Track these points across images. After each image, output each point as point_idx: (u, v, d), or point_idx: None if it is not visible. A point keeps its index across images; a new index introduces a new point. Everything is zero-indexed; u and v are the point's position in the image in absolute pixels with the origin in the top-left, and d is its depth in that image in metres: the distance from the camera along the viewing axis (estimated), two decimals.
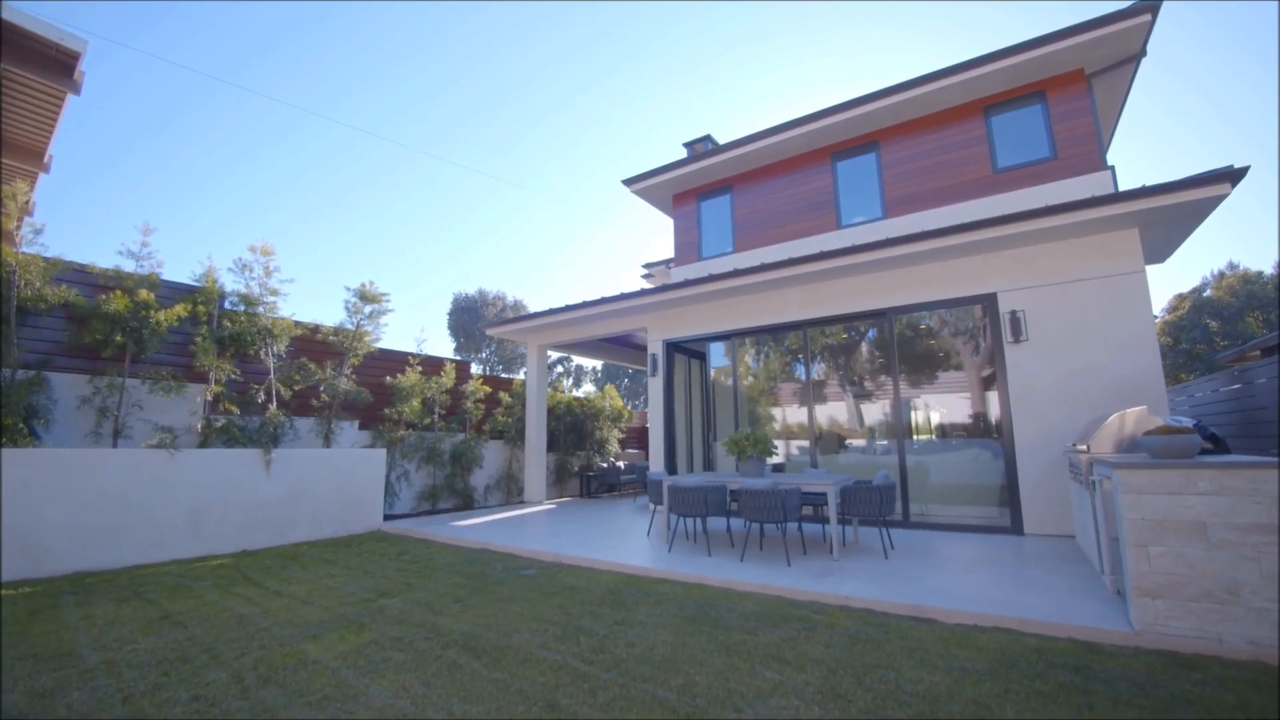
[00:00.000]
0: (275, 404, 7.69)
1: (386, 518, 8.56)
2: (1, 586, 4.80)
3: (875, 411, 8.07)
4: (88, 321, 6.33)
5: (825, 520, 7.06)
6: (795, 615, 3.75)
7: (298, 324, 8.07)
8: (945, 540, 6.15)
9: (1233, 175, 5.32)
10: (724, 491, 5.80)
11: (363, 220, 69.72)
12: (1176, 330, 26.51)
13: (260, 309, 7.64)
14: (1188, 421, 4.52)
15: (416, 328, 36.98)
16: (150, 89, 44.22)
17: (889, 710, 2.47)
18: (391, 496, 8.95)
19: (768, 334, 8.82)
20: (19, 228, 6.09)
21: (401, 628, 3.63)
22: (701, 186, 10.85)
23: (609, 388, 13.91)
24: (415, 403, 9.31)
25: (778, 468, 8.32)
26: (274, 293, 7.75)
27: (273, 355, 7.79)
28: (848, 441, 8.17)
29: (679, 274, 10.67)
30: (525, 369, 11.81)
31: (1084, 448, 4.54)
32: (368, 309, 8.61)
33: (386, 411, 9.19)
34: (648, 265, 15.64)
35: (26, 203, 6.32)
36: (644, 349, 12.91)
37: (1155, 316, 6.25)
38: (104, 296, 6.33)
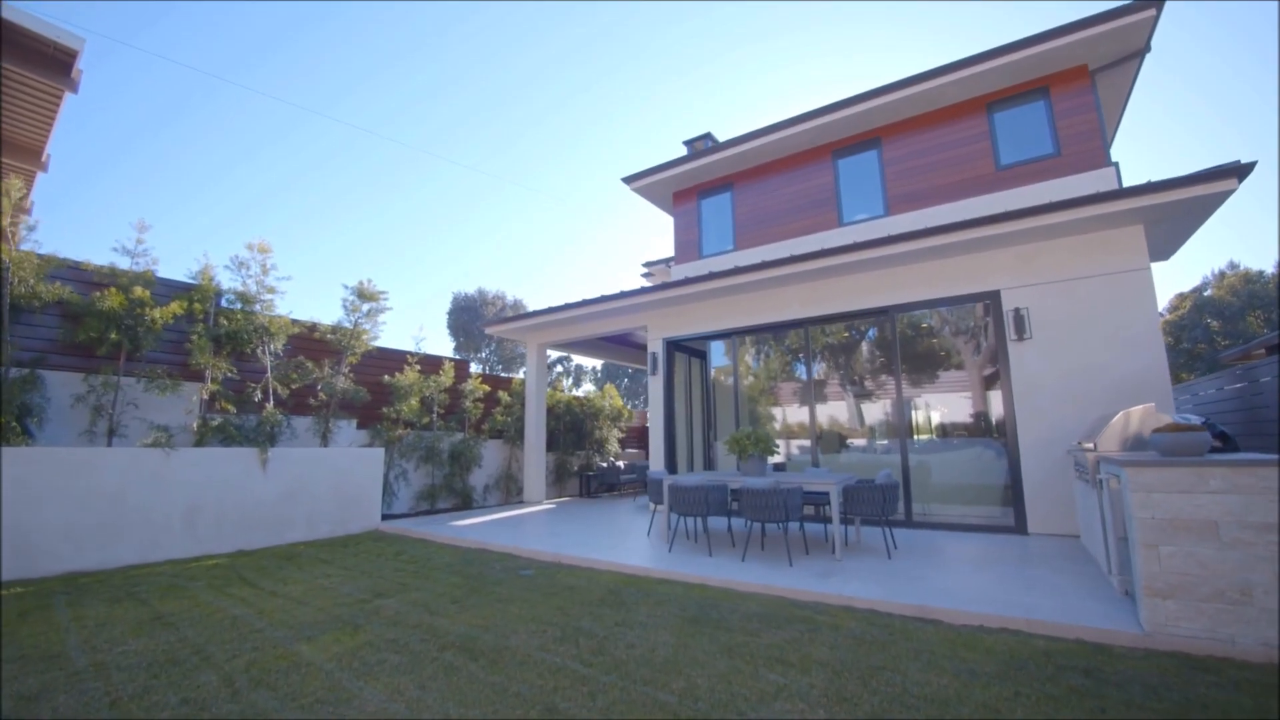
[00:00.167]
0: (272, 403, 7.63)
1: (384, 517, 8.50)
2: (1, 586, 4.74)
3: (876, 411, 8.01)
4: (82, 319, 6.26)
5: (827, 520, 6.99)
6: (798, 616, 3.69)
7: (295, 322, 8.00)
8: (948, 540, 6.08)
9: (1239, 171, 5.26)
10: (725, 491, 5.74)
11: (362, 220, 69.64)
12: (1177, 330, 26.45)
13: (257, 307, 7.58)
14: (1196, 419, 4.46)
15: (415, 327, 36.87)
16: (150, 89, 44.16)
17: (896, 714, 2.41)
18: (389, 496, 8.89)
19: (769, 332, 8.75)
20: (16, 226, 6.02)
21: (397, 629, 3.57)
22: (702, 184, 10.78)
23: (609, 387, 13.85)
24: (413, 402, 9.24)
25: (779, 467, 8.25)
26: (271, 291, 7.68)
27: (270, 353, 7.72)
28: (849, 441, 8.11)
29: (679, 272, 10.60)
30: (525, 368, 11.74)
31: (1090, 446, 4.48)
32: (365, 307, 8.56)
33: (385, 410, 9.13)
34: (648, 264, 15.58)
35: (22, 199, 6.25)
36: (644, 348, 12.84)
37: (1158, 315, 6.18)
38: (99, 294, 6.26)
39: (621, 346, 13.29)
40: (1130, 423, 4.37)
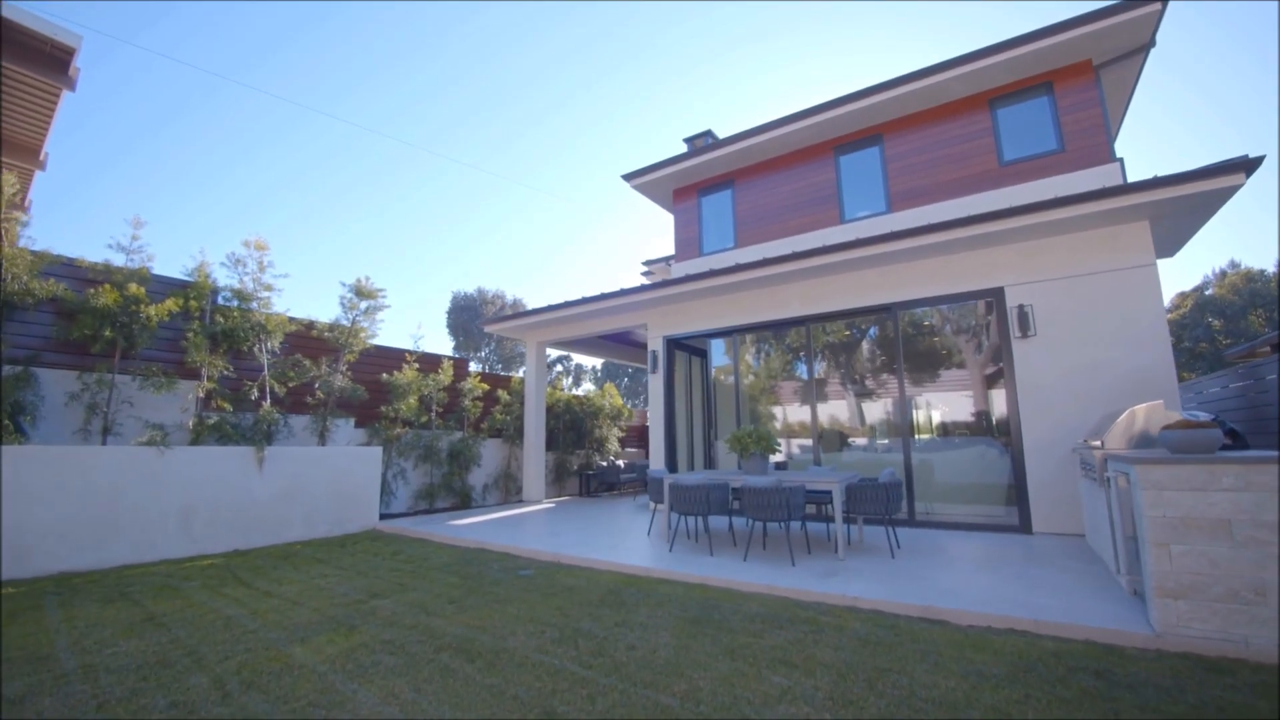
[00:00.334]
0: (269, 401, 7.56)
1: (382, 517, 8.43)
2: (1, 586, 4.68)
3: (877, 410, 7.95)
4: (76, 316, 6.19)
5: (830, 519, 6.93)
6: (802, 617, 3.62)
7: (292, 320, 7.94)
8: (952, 539, 6.02)
9: (1247, 165, 5.19)
10: (726, 489, 5.68)
11: (362, 220, 69.58)
12: (1179, 328, 26.39)
13: (254, 304, 7.51)
14: (1204, 416, 4.39)
15: (414, 325, 36.74)
16: (150, 88, 44.12)
17: (904, 717, 2.34)
18: (388, 495, 8.82)
19: (770, 330, 8.69)
20: (13, 223, 5.96)
21: (393, 630, 3.50)
22: (702, 181, 10.71)
23: (608, 386, 13.78)
24: (412, 400, 9.18)
25: (780, 466, 8.20)
26: (268, 288, 7.62)
27: (266, 351, 7.65)
28: (850, 440, 8.04)
29: (679, 270, 10.53)
30: (524, 367, 11.68)
31: (1097, 443, 4.41)
32: (363, 305, 8.49)
33: (383, 409, 9.06)
34: (648, 262, 15.51)
35: (15, 195, 6.18)
36: (644, 346, 12.77)
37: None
38: (93, 291, 6.19)
39: (621, 345, 13.22)
40: (1138, 420, 4.31)
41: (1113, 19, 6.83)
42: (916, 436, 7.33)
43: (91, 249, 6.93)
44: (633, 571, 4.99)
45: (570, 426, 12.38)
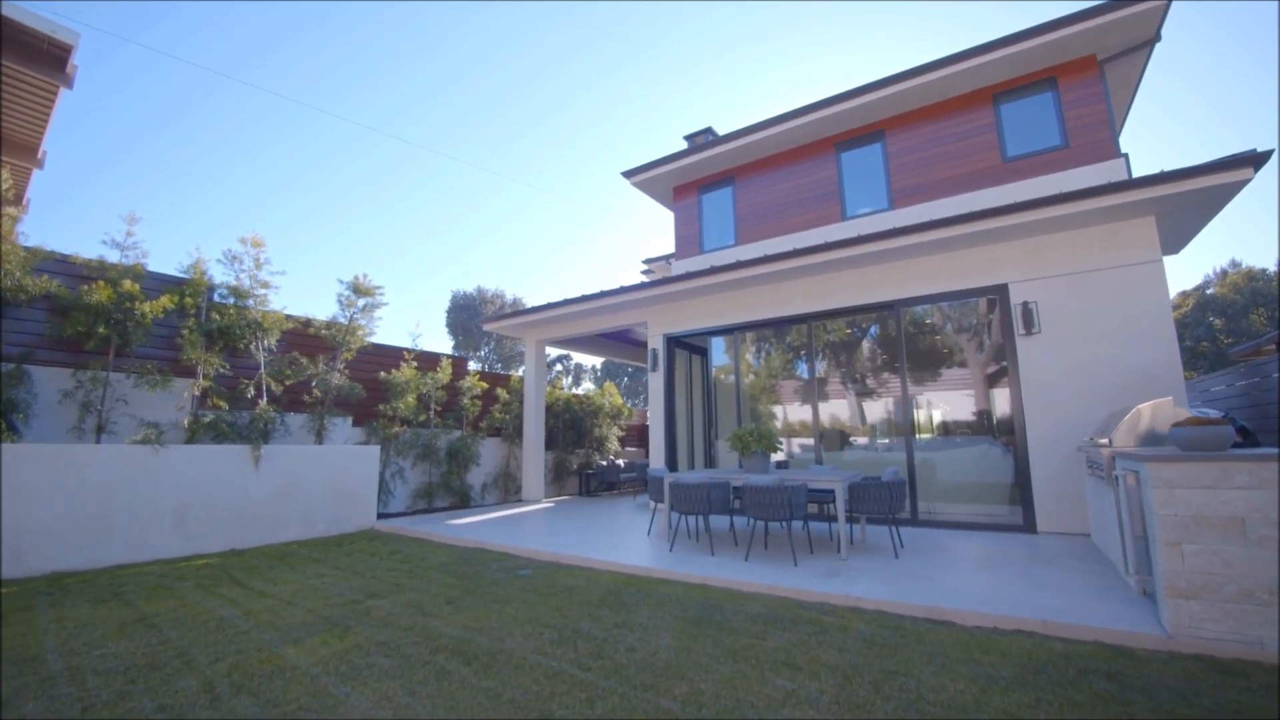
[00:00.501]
0: (265, 399, 7.49)
1: (380, 516, 8.37)
2: (1, 585, 4.62)
3: (880, 408, 7.89)
4: (70, 313, 6.12)
5: (832, 518, 6.87)
6: (805, 617, 3.55)
7: (289, 317, 7.87)
8: (955, 538, 5.95)
9: (1255, 160, 5.13)
10: (727, 488, 5.61)
11: (362, 220, 69.51)
12: (1180, 327, 26.31)
13: (250, 302, 7.44)
14: (1213, 414, 4.32)
15: (413, 324, 36.64)
16: (150, 88, 44.03)
17: None
18: (386, 494, 8.75)
19: (771, 327, 8.62)
20: (10, 220, 5.90)
21: (388, 631, 3.44)
22: (703, 178, 10.64)
23: (608, 385, 13.72)
24: (410, 399, 9.11)
25: (781, 465, 8.14)
26: (265, 285, 7.55)
27: (263, 349, 7.58)
28: (851, 439, 7.98)
29: (680, 267, 10.46)
30: (524, 366, 11.61)
31: (1105, 441, 4.35)
32: (361, 302, 8.42)
33: (381, 407, 8.99)
34: (648, 260, 15.45)
35: (8, 190, 6.11)
36: (644, 345, 12.70)
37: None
38: (86, 287, 6.12)
39: (621, 344, 13.15)
40: (1147, 417, 4.24)
41: (1118, 13, 6.76)
42: (919, 436, 7.26)
43: (91, 248, 6.86)
44: (633, 571, 4.92)
45: (570, 425, 12.31)
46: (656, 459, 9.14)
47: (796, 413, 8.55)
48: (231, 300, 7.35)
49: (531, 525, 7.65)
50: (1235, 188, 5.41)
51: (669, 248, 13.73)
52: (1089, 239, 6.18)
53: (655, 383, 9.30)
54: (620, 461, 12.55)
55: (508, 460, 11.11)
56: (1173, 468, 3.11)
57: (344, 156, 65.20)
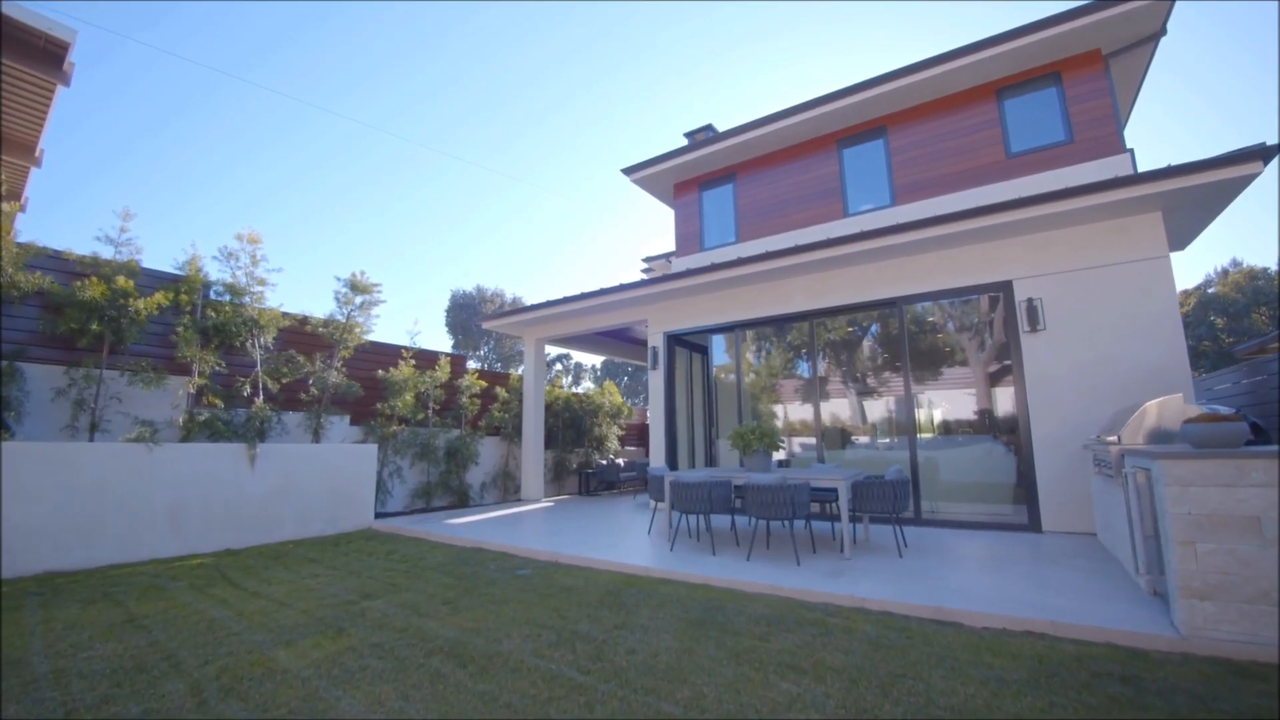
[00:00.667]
0: (262, 397, 7.41)
1: (378, 515, 8.29)
2: (1, 584, 4.55)
3: (882, 407, 7.82)
4: (63, 309, 6.04)
5: (834, 517, 6.79)
6: (809, 618, 3.48)
7: (285, 315, 7.78)
8: (960, 538, 5.87)
9: (1265, 153, 5.05)
10: (729, 487, 5.53)
11: (362, 220, 69.44)
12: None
13: (246, 299, 7.36)
14: (1225, 410, 4.24)
15: (412, 323, 36.43)
16: (151, 87, 43.96)
17: None
18: (384, 494, 8.67)
19: (772, 325, 8.54)
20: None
21: (383, 633, 3.36)
22: (703, 175, 10.56)
23: (608, 383, 13.63)
24: (408, 397, 9.03)
25: (782, 464, 8.06)
26: (261, 282, 7.47)
27: (259, 347, 7.50)
28: (853, 438, 7.91)
29: (680, 265, 10.38)
30: (523, 365, 11.54)
31: (1114, 439, 4.27)
32: (359, 300, 8.34)
33: (379, 406, 8.91)
34: (647, 259, 15.37)
35: (6, 189, 6.03)
36: (644, 344, 12.61)
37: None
38: (79, 283, 6.04)
39: (621, 342, 13.08)
40: (1156, 414, 4.16)
41: (1124, 6, 6.67)
42: (921, 435, 7.18)
43: (87, 245, 6.76)
44: (633, 571, 4.85)
45: (569, 424, 12.24)
46: (656, 458, 9.07)
47: (797, 412, 8.47)
48: (227, 297, 7.27)
49: (530, 524, 7.58)
50: (1243, 182, 5.33)
51: (669, 247, 13.66)
52: (1094, 235, 6.11)
53: (655, 381, 9.22)
54: (620, 461, 12.47)
55: (507, 459, 11.03)
56: (1186, 465, 3.03)
57: (344, 156, 65.13)
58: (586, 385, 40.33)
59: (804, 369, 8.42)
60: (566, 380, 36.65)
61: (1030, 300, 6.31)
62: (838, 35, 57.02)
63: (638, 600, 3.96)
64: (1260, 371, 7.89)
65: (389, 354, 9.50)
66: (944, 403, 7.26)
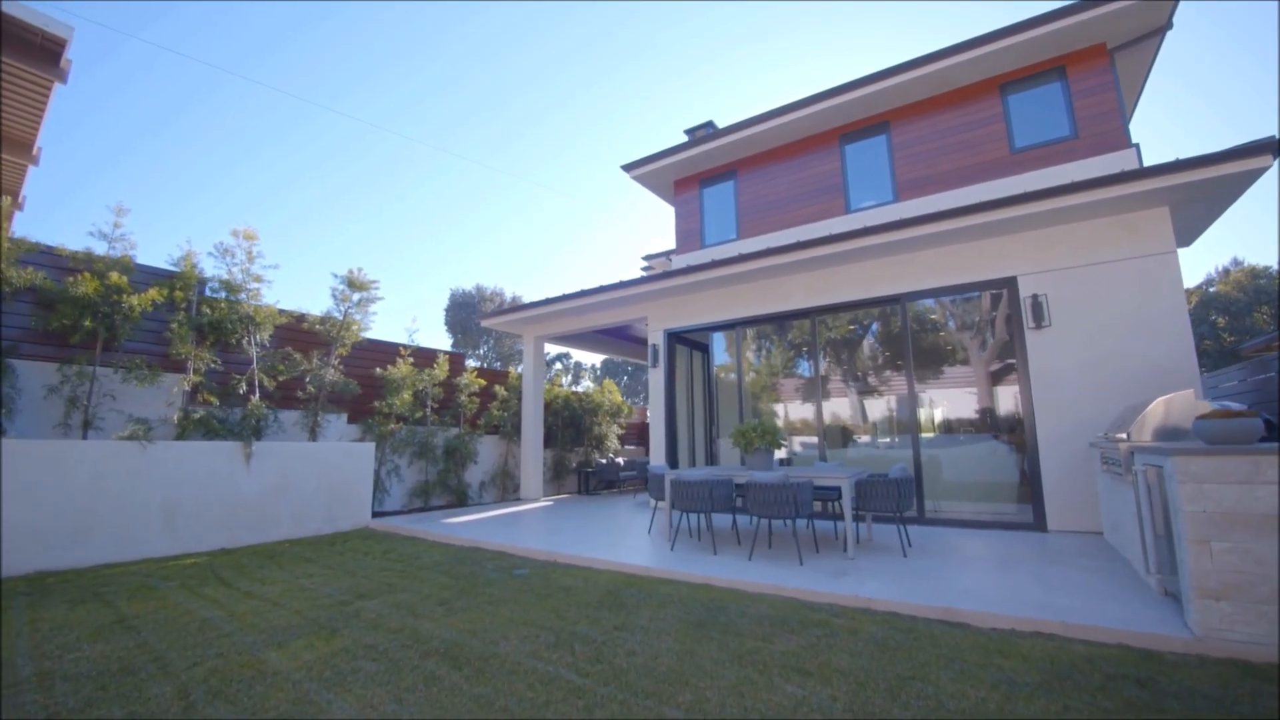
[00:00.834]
0: (258, 395, 7.33)
1: (376, 514, 8.21)
2: (1, 582, 4.48)
3: (884, 406, 7.74)
4: (55, 305, 5.96)
5: (837, 516, 6.72)
6: (813, 619, 3.40)
7: (282, 312, 7.70)
8: (964, 537, 5.80)
9: (1274, 146, 4.97)
10: (730, 485, 5.45)
11: (362, 219, 69.35)
12: None
13: (242, 296, 7.28)
14: (1236, 407, 4.16)
15: (409, 318, 36.06)
16: (150, 87, 43.89)
17: None
18: (381, 493, 8.60)
19: (773, 322, 8.46)
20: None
21: (377, 634, 3.28)
22: (704, 172, 10.48)
23: (608, 382, 13.55)
24: (406, 395, 8.95)
25: (783, 463, 7.98)
26: (257, 279, 7.39)
27: (255, 344, 7.42)
28: (855, 437, 7.83)
29: (680, 262, 10.30)
30: (522, 363, 11.45)
31: (1123, 436, 4.19)
32: (356, 297, 8.26)
33: (376, 404, 8.83)
34: (647, 257, 15.29)
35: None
36: (644, 343, 12.54)
37: None
38: (72, 279, 5.96)
39: (621, 340, 13.00)
40: (1167, 411, 4.09)
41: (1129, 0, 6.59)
42: (924, 433, 7.10)
43: (80, 241, 6.66)
44: (633, 571, 4.77)
45: (569, 423, 12.16)
46: (657, 456, 8.99)
47: (798, 410, 8.40)
48: (223, 294, 7.19)
49: (529, 524, 7.50)
50: (1252, 176, 5.25)
51: (669, 246, 13.57)
52: (1101, 230, 6.03)
53: (655, 379, 9.15)
54: (620, 460, 12.40)
55: (506, 458, 10.95)
56: (1201, 461, 2.95)
57: (344, 156, 65.06)
58: (586, 384, 40.23)
59: (805, 368, 8.35)
60: (566, 379, 36.56)
61: (1035, 297, 6.23)
62: (838, 35, 56.95)
63: (638, 601, 3.88)
64: (1267, 369, 7.80)
65: (387, 351, 9.42)
66: (948, 401, 7.19)
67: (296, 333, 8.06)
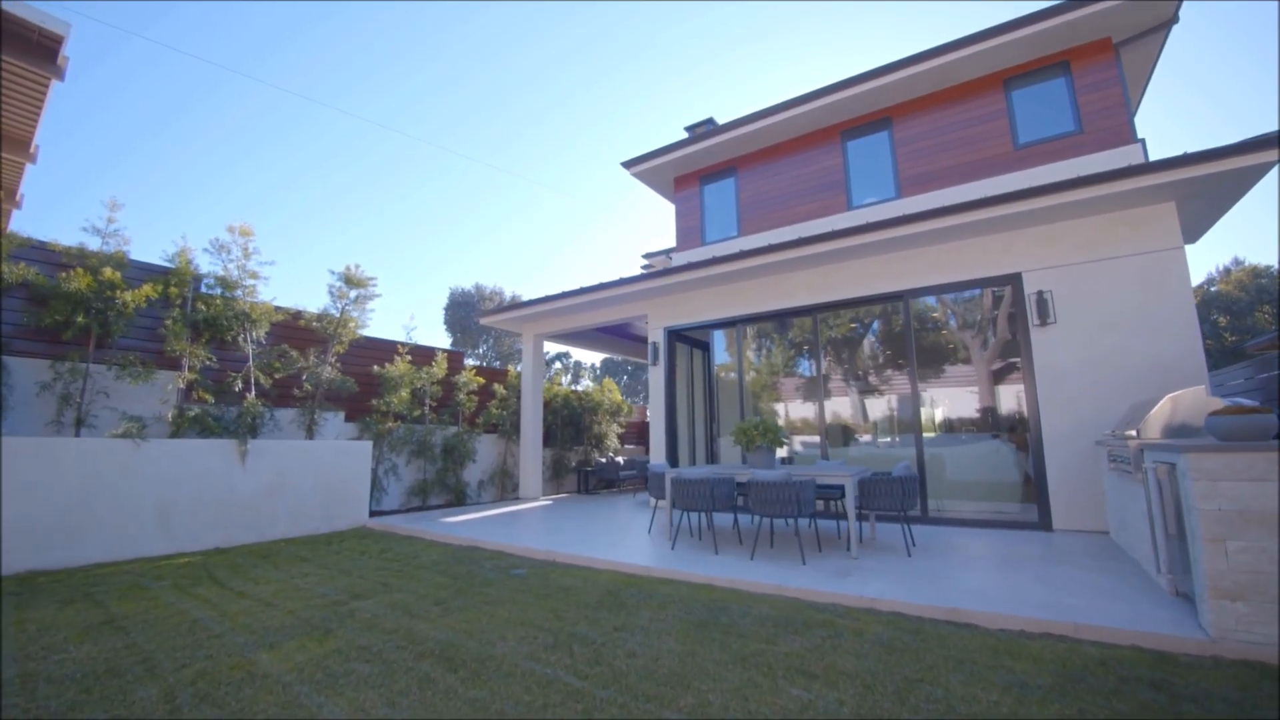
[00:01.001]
0: (254, 393, 7.24)
1: (373, 513, 8.14)
2: (1, 581, 4.42)
3: (886, 405, 7.67)
4: (48, 301, 5.89)
5: (839, 515, 6.66)
6: (817, 620, 3.33)
7: (278, 309, 7.62)
8: (969, 536, 5.73)
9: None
10: (732, 484, 5.38)
11: (363, 219, 69.25)
12: None
13: (239, 292, 7.20)
14: (1249, 403, 4.09)
15: (407, 316, 34.73)
16: (151, 86, 43.80)
17: None
18: (379, 491, 8.52)
19: (775, 320, 8.38)
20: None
21: (371, 635, 3.21)
22: (704, 169, 10.40)
23: (607, 381, 13.47)
24: (404, 393, 8.87)
25: (785, 462, 7.90)
26: (254, 276, 7.30)
27: (251, 341, 7.34)
28: (856, 435, 7.76)
29: (681, 259, 10.22)
30: (521, 362, 11.37)
31: (1132, 433, 4.12)
32: (353, 294, 8.18)
33: (374, 402, 8.75)
34: (647, 255, 15.21)
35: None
36: (644, 341, 12.46)
37: None
38: (65, 275, 5.89)
39: (621, 339, 12.92)
40: (1177, 408, 4.01)
41: None
42: (927, 432, 7.03)
43: (73, 237, 6.56)
44: (633, 571, 4.70)
45: (568, 422, 12.08)
46: (657, 455, 8.92)
47: (799, 410, 8.33)
48: (219, 291, 7.11)
49: (528, 523, 7.42)
50: (1260, 171, 5.18)
51: (669, 244, 13.49)
52: (1106, 226, 5.96)
53: (656, 377, 9.07)
54: (620, 459, 12.32)
55: (505, 457, 10.88)
56: (1216, 458, 2.88)
57: (344, 155, 64.96)
58: (586, 383, 40.14)
59: (806, 367, 8.28)
60: (566, 378, 36.47)
61: (1040, 293, 6.15)
62: (838, 35, 56.83)
63: (638, 601, 3.81)
64: (1273, 366, 7.74)
65: (385, 349, 9.34)
66: (951, 399, 7.12)
67: (293, 330, 7.98)
